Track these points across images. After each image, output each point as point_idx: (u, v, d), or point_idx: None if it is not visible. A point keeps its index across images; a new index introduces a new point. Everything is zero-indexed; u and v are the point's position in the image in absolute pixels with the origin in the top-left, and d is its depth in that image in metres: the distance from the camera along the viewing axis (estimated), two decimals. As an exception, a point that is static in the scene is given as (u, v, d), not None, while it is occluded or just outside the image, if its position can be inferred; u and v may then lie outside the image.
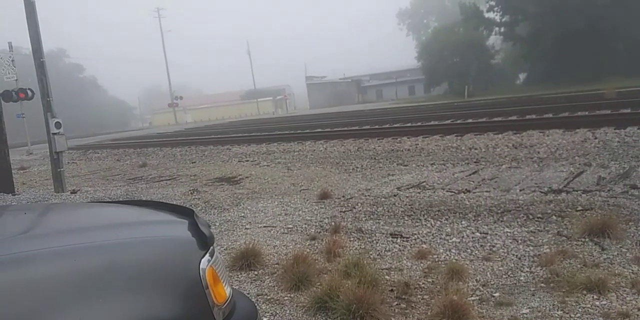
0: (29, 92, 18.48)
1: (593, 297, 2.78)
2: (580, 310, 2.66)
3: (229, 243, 4.56)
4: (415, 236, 4.25)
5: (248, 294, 3.29)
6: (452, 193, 5.80)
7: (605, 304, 2.69)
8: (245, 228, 5.10)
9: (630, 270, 3.11)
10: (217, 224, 5.37)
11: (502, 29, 45.35)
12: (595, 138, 8.59)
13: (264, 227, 5.06)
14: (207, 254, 1.60)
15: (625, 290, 2.83)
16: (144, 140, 21.34)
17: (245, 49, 72.85)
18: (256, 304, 3.06)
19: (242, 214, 5.74)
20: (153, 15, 58.50)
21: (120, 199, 7.39)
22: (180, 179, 9.42)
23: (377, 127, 16.30)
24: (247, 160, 11.32)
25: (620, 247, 3.53)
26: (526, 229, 4.16)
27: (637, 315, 2.54)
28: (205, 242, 1.62)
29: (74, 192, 8.68)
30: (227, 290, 1.66)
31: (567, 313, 2.64)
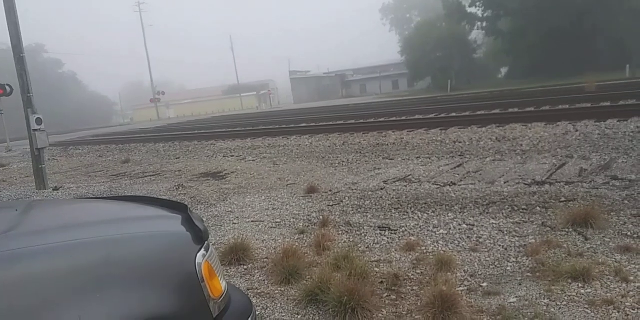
0: (7, 88, 18.10)
1: (578, 285, 2.84)
2: (566, 298, 2.72)
3: (218, 238, 4.55)
4: (403, 229, 4.29)
5: (239, 288, 3.30)
6: (438, 186, 5.86)
7: (590, 292, 2.76)
8: (233, 223, 5.09)
9: (614, 259, 3.18)
10: (205, 219, 5.34)
11: (484, 24, 45.76)
12: (577, 131, 8.74)
13: (252, 222, 5.05)
14: (203, 249, 1.60)
15: (609, 279, 2.90)
16: (126, 136, 21.08)
17: (228, 44, 72.12)
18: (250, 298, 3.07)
19: (230, 209, 5.72)
20: (134, 10, 57.56)
21: (105, 195, 7.31)
22: (164, 174, 9.34)
23: (362, 121, 16.35)
24: (232, 156, 11.26)
25: (603, 236, 3.61)
26: (511, 220, 4.23)
27: (621, 302, 2.61)
28: (200, 237, 1.62)
29: (56, 189, 8.55)
30: (223, 285, 1.66)
31: (554, 301, 2.70)
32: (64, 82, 69.50)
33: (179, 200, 6.33)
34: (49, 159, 14.51)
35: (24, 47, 8.69)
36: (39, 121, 8.65)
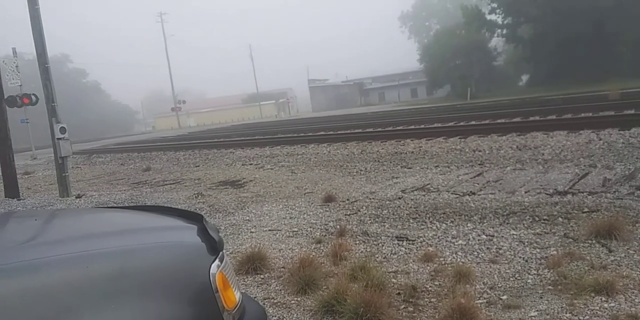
0: (33, 97, 18.54)
1: (601, 299, 2.77)
2: (588, 312, 2.65)
3: (235, 247, 4.56)
4: (421, 239, 4.24)
5: (255, 298, 3.29)
6: (457, 195, 5.79)
7: (613, 306, 2.68)
8: (251, 232, 5.10)
9: (639, 272, 3.09)
10: (223, 227, 5.37)
11: (504, 31, 45.39)
12: (600, 139, 8.57)
13: (269, 230, 5.06)
14: (217, 259, 1.60)
15: (633, 292, 2.82)
16: (148, 145, 21.39)
17: (248, 53, 72.92)
18: (265, 309, 3.07)
19: (247, 218, 5.74)
20: (156, 20, 58.79)
21: (125, 204, 7.41)
22: (184, 182, 9.44)
23: (380, 129, 16.30)
24: (251, 164, 11.33)
25: (628, 248, 3.52)
26: (532, 231, 4.14)
27: (647, 317, 2.53)
28: (214, 247, 1.62)
29: (78, 196, 8.71)
30: (237, 295, 1.66)
31: (576, 315, 2.63)
32: (87, 92, 71.09)
33: (196, 209, 6.40)
34: (72, 167, 14.81)
35: (48, 57, 8.91)
36: (62, 130, 8.85)
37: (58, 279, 1.25)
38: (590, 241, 3.73)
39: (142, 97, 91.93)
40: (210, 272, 1.54)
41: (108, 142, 32.12)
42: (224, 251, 1.71)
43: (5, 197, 9.22)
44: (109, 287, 1.30)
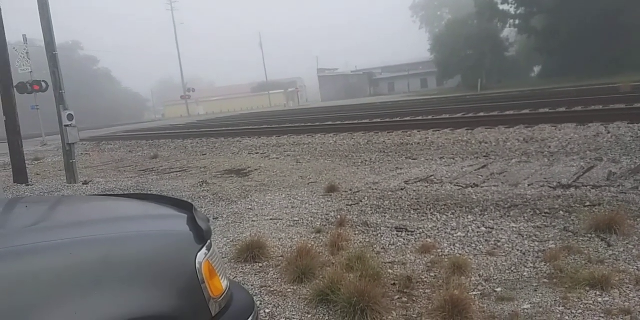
0: (43, 84, 18.69)
1: (596, 293, 2.76)
2: (582, 306, 2.65)
3: (236, 235, 4.60)
4: (421, 230, 4.25)
5: (252, 285, 3.34)
6: (460, 187, 5.77)
7: (607, 301, 2.68)
8: (252, 220, 5.13)
9: (636, 267, 3.08)
10: (225, 216, 5.42)
11: (517, 22, 44.76)
12: (608, 132, 8.48)
13: (271, 219, 5.09)
14: (204, 248, 1.62)
15: (628, 287, 2.81)
16: (156, 132, 21.52)
17: (257, 41, 72.67)
18: (255, 296, 3.10)
19: (250, 207, 5.78)
20: (166, 8, 58.65)
21: (131, 191, 7.49)
22: (190, 170, 9.50)
23: (387, 120, 16.24)
24: (257, 153, 11.37)
25: (627, 243, 3.50)
26: (532, 224, 4.13)
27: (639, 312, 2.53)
28: (202, 236, 1.64)
29: (86, 183, 8.80)
30: (224, 284, 1.68)
31: (569, 309, 2.63)
32: (98, 79, 71.46)
33: (200, 198, 6.45)
34: (81, 154, 14.98)
35: (56, 44, 8.95)
36: (70, 117, 8.92)
37: (42, 265, 1.27)
38: (589, 235, 3.71)
39: (152, 85, 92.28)
40: (197, 260, 1.56)
41: (118, 129, 32.35)
42: (212, 240, 1.73)
43: (14, 182, 9.35)
44: (93, 275, 1.32)
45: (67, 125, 8.92)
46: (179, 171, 9.56)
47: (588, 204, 4.54)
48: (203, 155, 12.26)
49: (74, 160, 9.12)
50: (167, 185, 7.84)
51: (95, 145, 18.23)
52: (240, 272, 3.63)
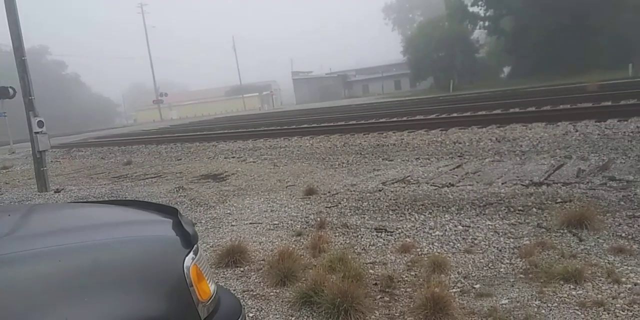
0: (10, 90, 18.18)
1: (570, 286, 2.87)
2: (557, 299, 2.74)
3: (215, 240, 4.59)
4: (400, 230, 4.31)
5: (234, 290, 3.33)
6: (436, 187, 5.88)
7: (581, 294, 2.78)
8: (232, 225, 5.12)
9: (607, 261, 3.20)
10: (203, 221, 5.39)
11: (487, 23, 45.70)
12: (577, 131, 8.75)
13: (250, 223, 5.09)
14: (191, 252, 1.63)
15: (601, 280, 2.92)
16: (129, 138, 21.15)
17: (230, 45, 72.26)
18: (241, 300, 3.10)
19: (228, 211, 5.76)
20: (137, 11, 57.79)
21: (105, 198, 7.36)
22: (165, 176, 9.39)
23: (363, 122, 16.36)
24: (233, 157, 11.31)
25: (598, 238, 3.63)
26: (507, 222, 4.25)
27: (612, 303, 2.63)
28: (189, 241, 1.65)
29: (57, 191, 8.61)
30: (212, 287, 1.69)
31: (545, 303, 2.72)
32: (67, 84, 69.88)
33: (177, 203, 6.40)
34: (51, 161, 14.61)
35: (25, 49, 8.75)
36: (40, 124, 8.72)
37: (30, 273, 1.26)
38: (562, 231, 3.84)
39: (123, 89, 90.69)
40: (185, 265, 1.57)
41: (88, 135, 31.67)
42: (199, 244, 1.74)
43: (-17, 192, 9.08)
44: (82, 281, 1.32)
45: (37, 132, 8.72)
46: (154, 177, 9.45)
47: (559, 200, 4.69)
48: (178, 160, 12.13)
49: (45, 168, 8.92)
50: (143, 191, 7.74)
51: (66, 152, 17.81)
52: (222, 276, 3.62)
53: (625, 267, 3.07)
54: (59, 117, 45.08)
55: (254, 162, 10.19)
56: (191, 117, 54.79)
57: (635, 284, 2.81)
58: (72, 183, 9.76)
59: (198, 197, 6.74)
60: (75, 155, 16.68)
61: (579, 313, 2.58)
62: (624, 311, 2.55)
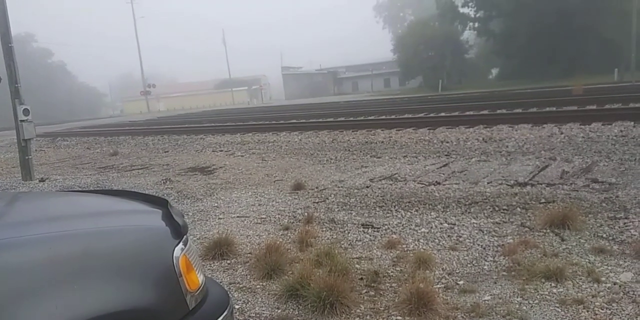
0: (-6, 77, 17.84)
1: (551, 284, 2.93)
2: (538, 297, 2.80)
3: (202, 233, 4.59)
4: (386, 226, 4.35)
5: (221, 282, 3.34)
6: (423, 185, 5.93)
7: (562, 291, 2.84)
8: (219, 218, 5.12)
9: (587, 260, 3.27)
10: (190, 213, 5.37)
11: (477, 25, 46.06)
12: (562, 133, 8.88)
13: (238, 217, 5.09)
14: (181, 243, 1.64)
15: (581, 279, 2.99)
16: (115, 129, 20.95)
17: (221, 36, 71.67)
18: (229, 291, 3.12)
19: (216, 204, 5.75)
20: (126, 1, 56.93)
21: (91, 188, 7.30)
22: (152, 168, 9.33)
23: (352, 119, 16.41)
24: (221, 151, 11.27)
25: (579, 238, 3.71)
26: (492, 220, 4.31)
27: (591, 301, 2.69)
28: (178, 231, 1.66)
29: (42, 180, 8.51)
30: (200, 278, 1.70)
31: (526, 299, 2.78)
32: (52, 73, 68.66)
33: (164, 195, 6.36)
34: (36, 150, 14.41)
35: (12, 36, 8.60)
36: (26, 112, 8.60)
37: (21, 260, 1.26)
38: (545, 230, 3.91)
39: (110, 79, 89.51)
40: (174, 255, 1.57)
41: (74, 125, 31.27)
42: (188, 235, 1.75)
43: (-35, 179, 8.94)
44: (72, 269, 1.32)
45: (22, 120, 8.60)
46: (141, 168, 9.38)
47: (543, 201, 4.77)
48: (165, 152, 12.06)
49: (29, 157, 8.80)
50: (129, 182, 7.68)
51: (51, 142, 17.59)
52: (209, 268, 3.63)
53: (606, 266, 3.14)
54: (43, 106, 44.37)
55: (242, 156, 10.17)
56: (179, 109, 54.43)
57: (615, 283, 2.88)
58: (57, 172, 9.65)
59: (185, 189, 6.72)
60: (60, 145, 16.47)
61: (559, 310, 2.64)
62: (602, 309, 2.61)
